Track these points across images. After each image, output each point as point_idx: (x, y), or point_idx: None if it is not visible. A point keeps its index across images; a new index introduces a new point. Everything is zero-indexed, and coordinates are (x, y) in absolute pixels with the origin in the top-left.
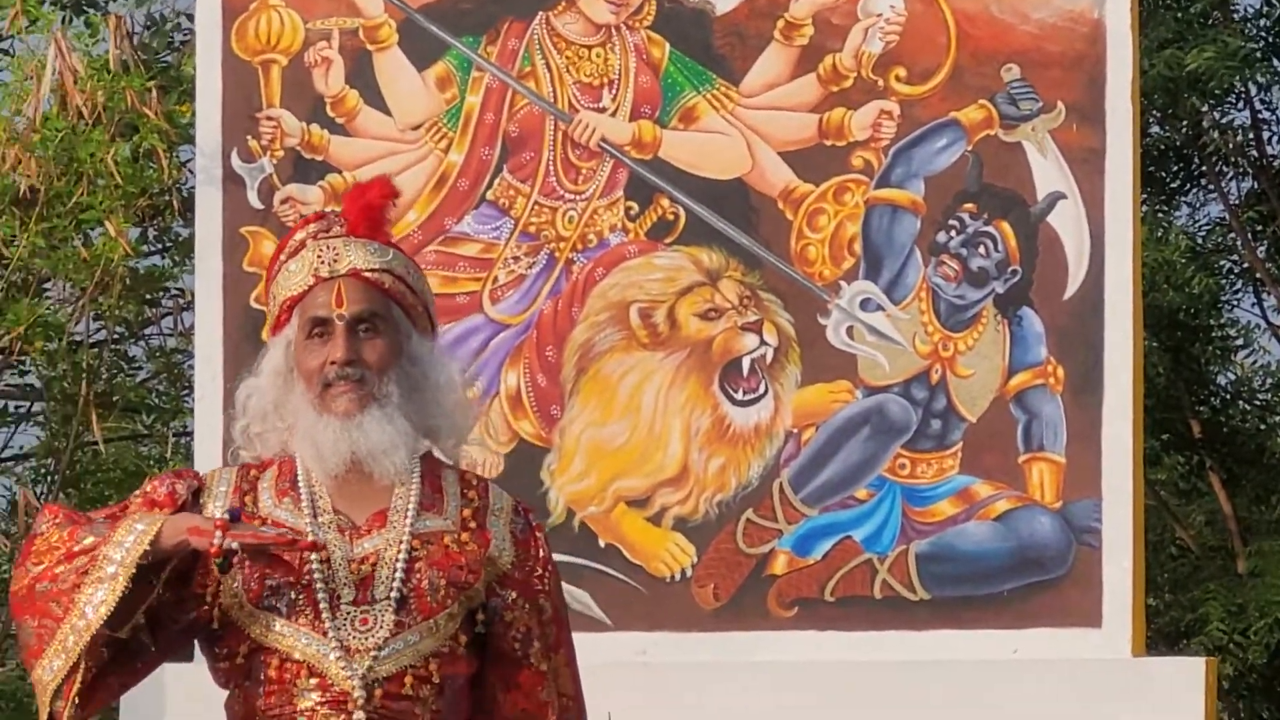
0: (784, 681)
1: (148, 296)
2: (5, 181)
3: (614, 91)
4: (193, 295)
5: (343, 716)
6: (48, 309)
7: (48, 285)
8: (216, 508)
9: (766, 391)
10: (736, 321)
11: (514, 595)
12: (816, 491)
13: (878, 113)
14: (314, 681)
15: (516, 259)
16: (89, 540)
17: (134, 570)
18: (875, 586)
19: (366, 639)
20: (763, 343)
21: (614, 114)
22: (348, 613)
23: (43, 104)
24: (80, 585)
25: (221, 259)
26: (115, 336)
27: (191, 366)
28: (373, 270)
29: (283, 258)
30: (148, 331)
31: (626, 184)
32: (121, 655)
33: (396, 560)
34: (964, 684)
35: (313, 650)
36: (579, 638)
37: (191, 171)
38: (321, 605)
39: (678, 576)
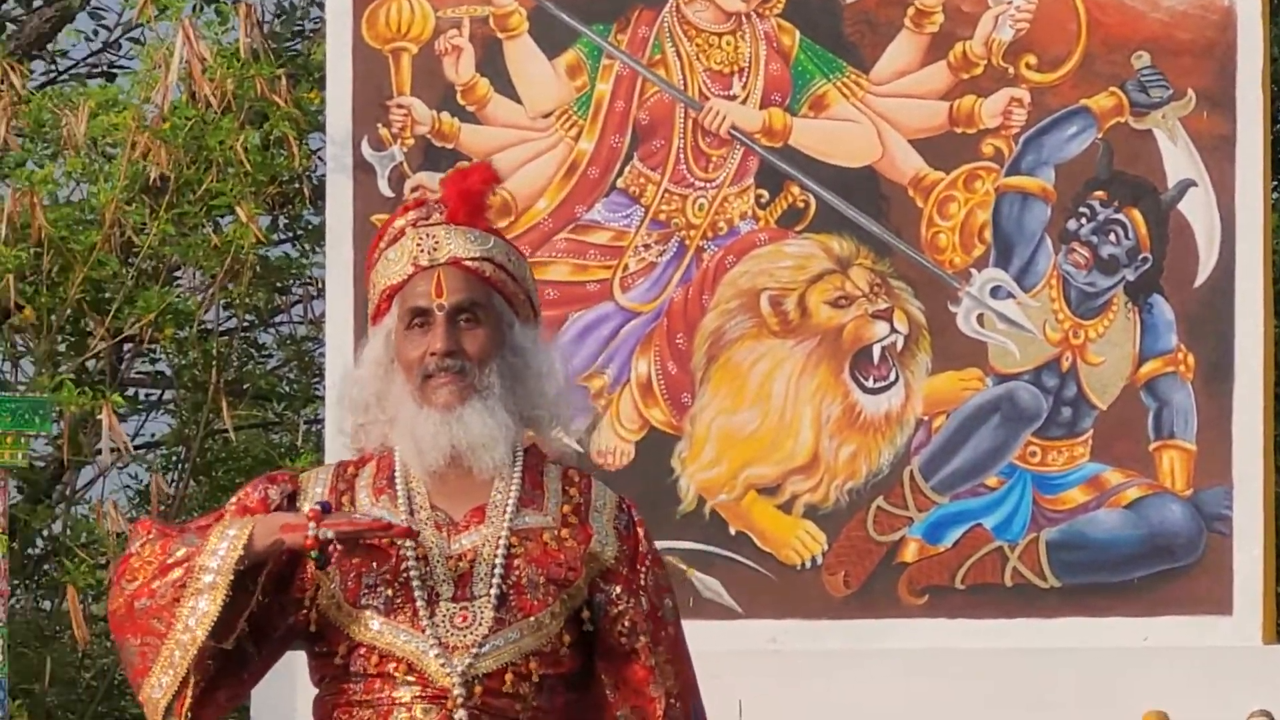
0: (914, 669)
1: (278, 284)
2: (135, 169)
3: (744, 79)
4: (323, 283)
5: (441, 712)
6: (178, 297)
7: (178, 273)
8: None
9: (897, 379)
10: (867, 309)
11: (618, 590)
12: (947, 479)
13: (1008, 100)
14: (413, 677)
15: (647, 246)
16: (182, 552)
17: (231, 577)
18: (1006, 574)
19: (465, 636)
20: (893, 330)
21: (744, 101)
22: (446, 610)
23: (171, 92)
24: (179, 599)
25: (352, 247)
26: (245, 324)
27: (322, 354)
28: (473, 259)
29: (382, 245)
30: (278, 319)
31: (757, 171)
32: (227, 667)
33: (495, 557)
34: (1094, 671)
35: (411, 647)
36: (710, 625)
37: (321, 159)
38: (419, 603)
39: (808, 564)
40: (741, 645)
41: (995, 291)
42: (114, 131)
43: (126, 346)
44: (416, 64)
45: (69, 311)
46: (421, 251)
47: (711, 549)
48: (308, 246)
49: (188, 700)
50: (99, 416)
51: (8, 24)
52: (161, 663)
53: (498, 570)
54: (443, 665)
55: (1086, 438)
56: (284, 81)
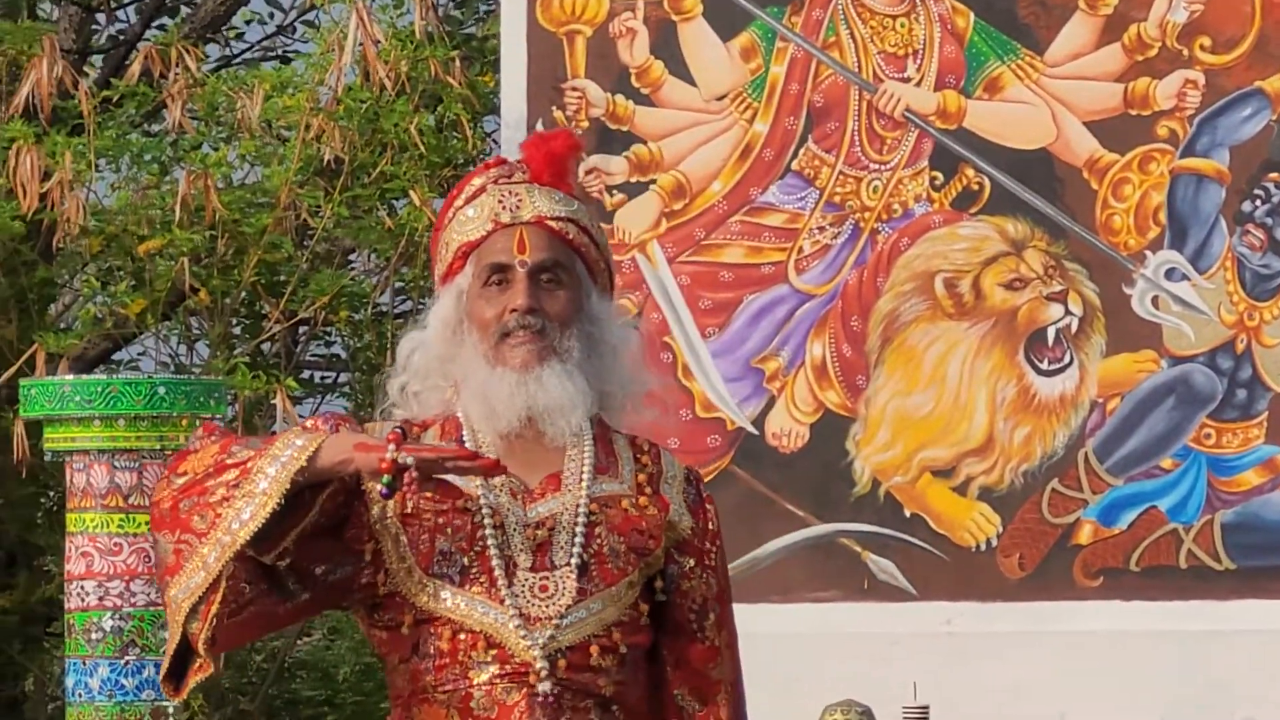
0: (1088, 651)
1: None
2: (310, 152)
3: (919, 61)
4: None
5: (523, 690)
6: (352, 279)
7: (352, 255)
8: None
9: (1072, 361)
10: (1041, 291)
11: (692, 563)
12: (1122, 461)
13: (1182, 82)
14: (492, 654)
15: (822, 229)
16: (242, 454)
17: (287, 487)
18: (1180, 556)
19: (548, 607)
20: (1068, 312)
21: (919, 84)
22: (525, 580)
23: (345, 75)
24: (229, 499)
25: None
26: (419, 307)
27: None
28: (558, 219)
29: (458, 203)
30: None
31: (931, 154)
32: (264, 593)
33: (576, 524)
34: (1270, 653)
35: (490, 620)
36: (885, 608)
37: (496, 142)
38: (497, 572)
39: (983, 546)
40: (916, 627)
41: (1170, 274)
42: (288, 114)
43: (301, 329)
44: (591, 46)
45: (243, 294)
46: (504, 209)
47: (886, 531)
48: None
49: (215, 605)
50: (273, 400)
51: (183, 7)
52: (195, 562)
53: (579, 538)
54: (524, 638)
55: (1261, 420)
56: (458, 64)
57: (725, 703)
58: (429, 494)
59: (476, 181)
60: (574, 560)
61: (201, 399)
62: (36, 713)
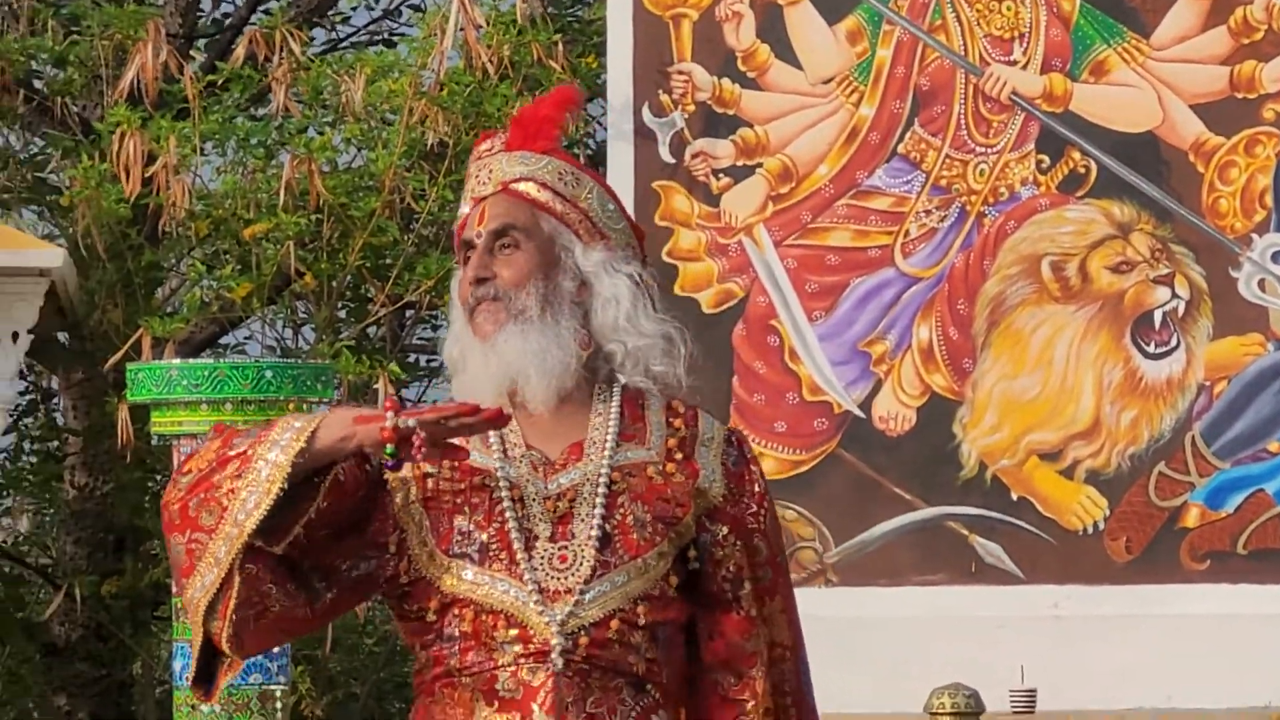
0: (1196, 634)
1: None
2: (414, 136)
3: (1024, 45)
4: None
5: (548, 669)
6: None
7: None
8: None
9: (1178, 344)
10: (1148, 275)
11: (725, 531)
12: (1229, 444)
13: None
14: (514, 633)
15: (928, 212)
16: (243, 445)
17: (289, 470)
18: None
19: (566, 579)
20: (1174, 296)
21: (1024, 67)
22: (545, 552)
23: (448, 59)
24: (234, 491)
25: (633, 213)
26: None
27: None
28: (517, 180)
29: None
30: None
31: (1037, 137)
32: (289, 595)
33: (596, 494)
34: None
35: (510, 598)
36: (992, 591)
37: (600, 125)
38: (516, 545)
39: (1090, 530)
40: (1023, 611)
41: (1276, 256)
42: (392, 98)
43: (407, 313)
44: (697, 30)
45: (349, 278)
46: (477, 183)
47: (993, 514)
48: None
49: (232, 601)
50: (377, 385)
51: None
52: (207, 560)
53: (599, 508)
54: (542, 614)
55: None
56: (560, 47)
57: (761, 676)
58: (446, 464)
59: (471, 163)
60: (594, 531)
61: (308, 383)
62: (144, 697)
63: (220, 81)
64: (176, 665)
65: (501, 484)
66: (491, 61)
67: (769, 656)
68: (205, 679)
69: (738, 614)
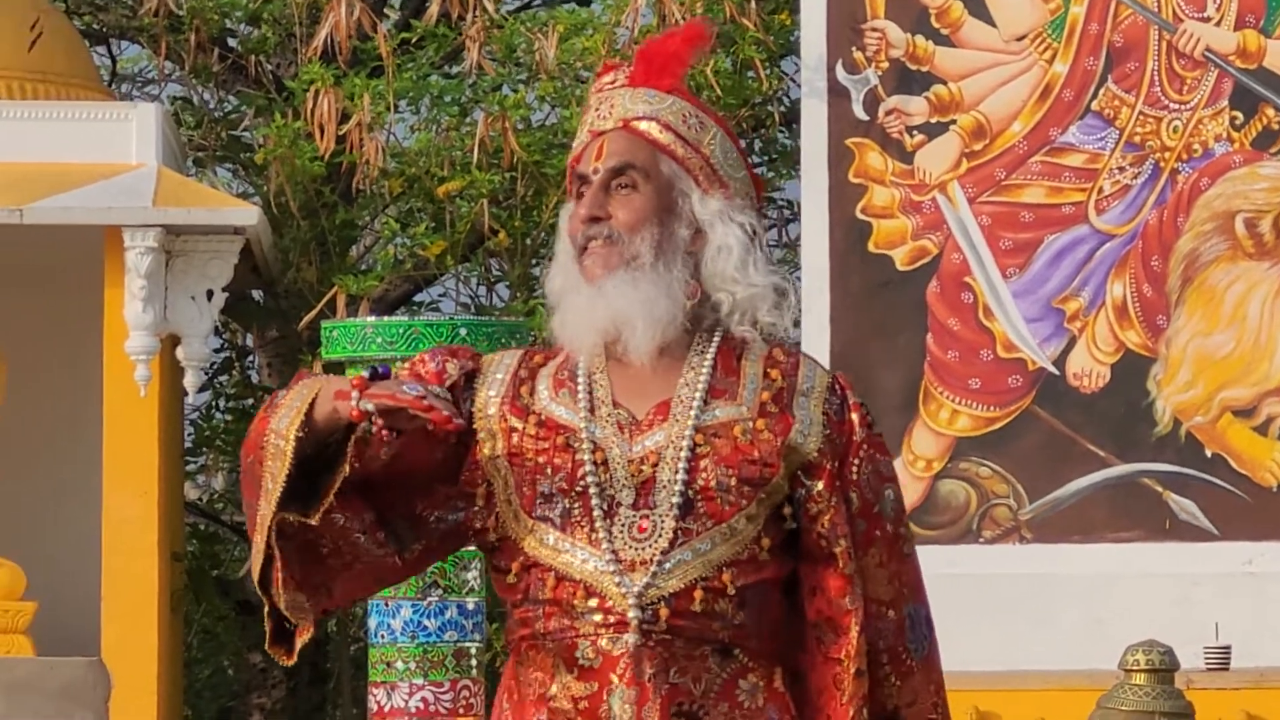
0: None
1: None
2: None
3: (1218, 1)
4: (798, 206)
5: (627, 640)
6: None
7: None
8: (490, 396)
9: None
10: None
11: (819, 487)
12: None
13: None
14: (593, 603)
15: (1122, 169)
16: (268, 411)
17: (293, 444)
18: None
19: (644, 550)
20: None
21: (1218, 23)
22: (625, 520)
23: (641, 17)
24: (259, 460)
25: (827, 170)
26: None
27: (797, 277)
28: (640, 119)
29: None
30: None
31: (1231, 94)
32: (378, 545)
33: (678, 459)
34: None
35: (589, 567)
36: (1186, 548)
37: (794, 82)
38: (596, 513)
39: None
40: (1217, 568)
41: None
42: (585, 56)
43: None
44: None
45: (543, 235)
46: (598, 117)
47: (1187, 471)
48: (781, 169)
49: (279, 574)
50: None
51: None
52: (257, 526)
53: (681, 474)
54: (619, 584)
55: None
56: (753, 6)
57: (856, 634)
58: (532, 420)
59: (592, 94)
60: (675, 499)
61: (502, 339)
62: (339, 654)
63: (414, 39)
64: (371, 623)
65: (585, 446)
66: (685, 18)
67: (865, 612)
68: (283, 638)
69: (834, 570)
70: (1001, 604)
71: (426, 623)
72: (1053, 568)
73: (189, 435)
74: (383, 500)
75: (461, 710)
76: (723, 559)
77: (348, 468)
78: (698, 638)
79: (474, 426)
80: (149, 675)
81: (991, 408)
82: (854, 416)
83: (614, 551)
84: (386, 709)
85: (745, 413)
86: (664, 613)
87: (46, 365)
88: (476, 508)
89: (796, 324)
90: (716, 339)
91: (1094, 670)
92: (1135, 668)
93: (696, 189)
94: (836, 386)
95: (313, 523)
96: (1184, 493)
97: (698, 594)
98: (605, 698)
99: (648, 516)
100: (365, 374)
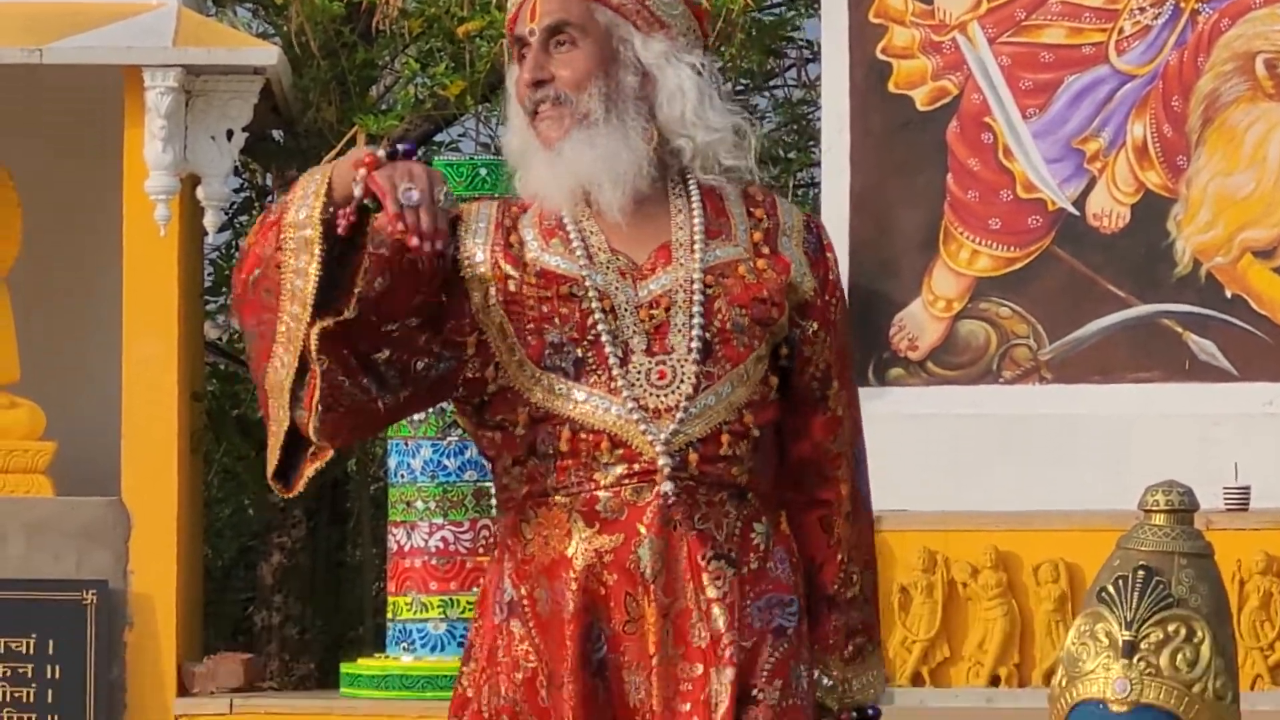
0: None
1: (771, 46)
2: None
3: None
4: (818, 46)
5: (654, 489)
6: None
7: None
8: (477, 244)
9: None
10: None
11: (815, 327)
12: None
13: None
14: (618, 453)
15: (1142, 9)
16: (275, 213)
17: (322, 229)
18: None
19: (666, 397)
20: None
21: None
22: (641, 366)
23: None
24: (280, 262)
25: (847, 11)
26: (739, 88)
27: (818, 118)
28: None
29: None
30: (772, 83)
31: None
32: (362, 390)
33: (691, 302)
34: None
35: (612, 417)
36: (1206, 388)
37: None
38: (612, 361)
39: None
40: (1237, 408)
41: None
42: None
43: None
44: None
45: None
46: None
47: (1207, 312)
48: (801, 9)
49: (316, 388)
50: None
51: None
52: (280, 339)
53: (696, 317)
54: (645, 434)
55: None
56: None
57: (846, 478)
58: (530, 269)
59: None
60: (694, 343)
61: None
62: (359, 494)
63: None
64: (391, 462)
65: (590, 293)
66: None
67: (849, 457)
68: (285, 472)
69: (825, 413)
70: (1021, 444)
71: (446, 462)
72: (1072, 408)
73: (209, 275)
74: (369, 344)
75: (481, 550)
76: (742, 401)
77: (368, 256)
78: (718, 483)
79: (461, 275)
80: (169, 515)
81: (1011, 248)
82: (829, 255)
83: (635, 399)
84: (406, 548)
85: (743, 253)
86: (693, 459)
87: (65, 206)
88: (466, 357)
89: (810, 165)
90: (693, 182)
91: (1114, 511)
92: (1155, 508)
93: (637, 33)
94: (812, 225)
95: (349, 315)
96: (1204, 333)
97: (724, 438)
98: (634, 549)
99: (664, 362)
100: (382, 152)
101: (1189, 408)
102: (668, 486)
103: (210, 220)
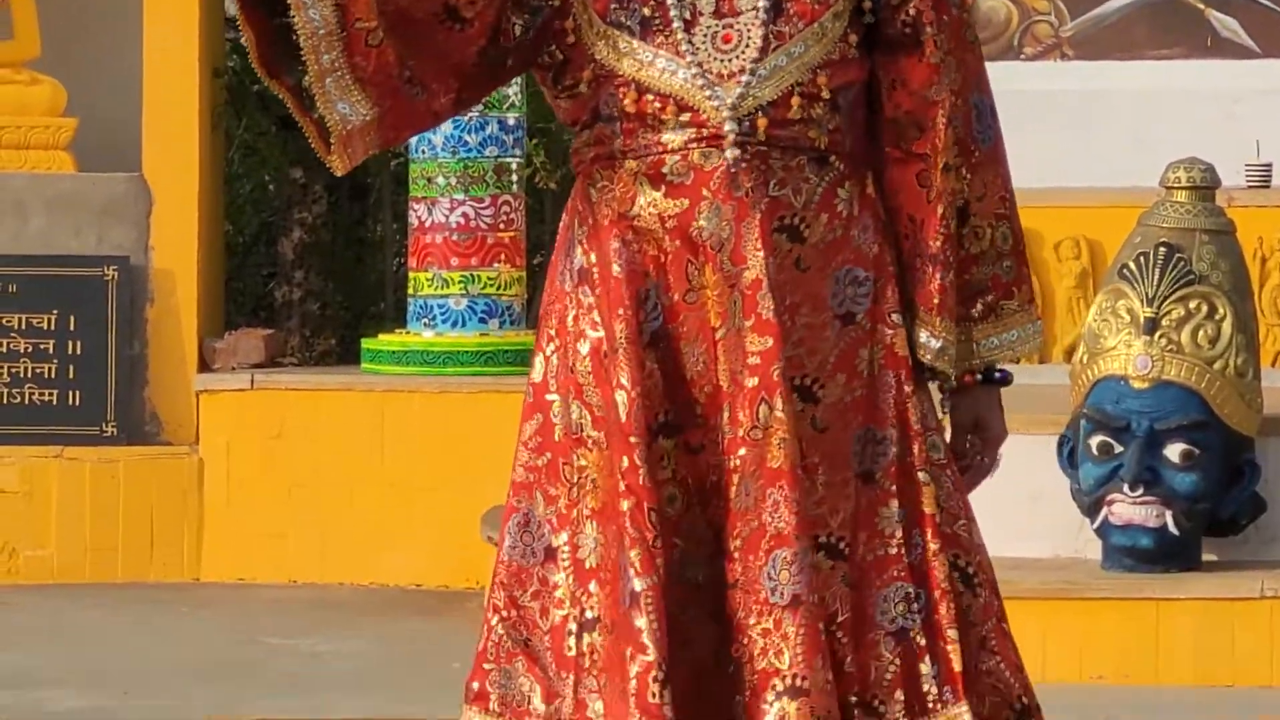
0: None
1: None
2: None
3: None
4: None
5: (721, 154)
6: None
7: None
8: None
9: None
10: None
11: None
12: None
13: None
14: (685, 117)
15: None
16: None
17: None
18: None
19: (732, 60)
20: None
21: None
22: (707, 29)
23: None
24: None
25: None
26: None
27: None
28: None
29: None
30: None
31: None
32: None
33: None
34: None
35: (677, 81)
36: (1227, 65)
37: None
38: (676, 24)
39: None
40: (1259, 85)
41: None
42: None
43: None
44: None
45: None
46: None
47: None
48: None
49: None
50: None
51: None
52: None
53: None
54: (710, 97)
55: None
56: None
57: (943, 126)
58: None
59: None
60: (762, 3)
61: None
62: (379, 169)
63: None
64: (413, 139)
65: None
66: None
67: (950, 105)
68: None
69: (920, 60)
70: (1043, 121)
71: (467, 138)
72: (1094, 84)
73: None
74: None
75: (502, 225)
76: (816, 61)
77: None
78: (794, 147)
79: None
80: (190, 190)
81: None
82: None
83: (699, 63)
84: (427, 224)
85: None
86: (762, 123)
87: None
88: (554, 7)
89: None
90: None
91: (1135, 187)
92: (1176, 184)
93: None
94: None
95: None
96: (1226, 9)
97: (795, 101)
98: (696, 215)
99: (731, 25)
100: None
101: (1211, 84)
102: (733, 153)
103: None
